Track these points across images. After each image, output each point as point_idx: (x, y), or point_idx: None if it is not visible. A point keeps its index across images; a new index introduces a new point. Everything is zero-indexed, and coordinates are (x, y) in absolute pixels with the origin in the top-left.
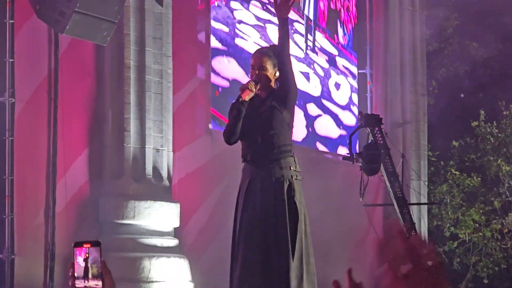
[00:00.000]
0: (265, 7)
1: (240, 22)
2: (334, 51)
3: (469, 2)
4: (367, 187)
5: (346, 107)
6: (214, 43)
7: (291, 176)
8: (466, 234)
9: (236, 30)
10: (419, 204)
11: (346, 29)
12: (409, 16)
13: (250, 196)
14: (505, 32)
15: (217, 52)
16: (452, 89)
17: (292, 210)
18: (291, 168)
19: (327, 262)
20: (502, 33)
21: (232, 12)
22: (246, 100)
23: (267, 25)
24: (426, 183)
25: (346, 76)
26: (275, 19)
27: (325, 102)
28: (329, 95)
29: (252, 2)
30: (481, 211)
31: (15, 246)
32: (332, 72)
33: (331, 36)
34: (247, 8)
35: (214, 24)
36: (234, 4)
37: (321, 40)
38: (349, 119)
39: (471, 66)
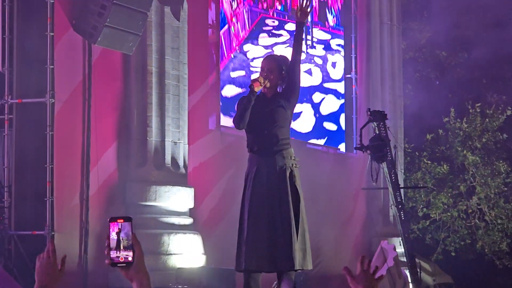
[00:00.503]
0: (270, 34)
1: (253, 59)
2: (327, 36)
3: (439, 17)
4: (353, 172)
5: (342, 79)
6: (236, 90)
7: (292, 164)
8: (437, 214)
9: (251, 68)
10: (409, 187)
11: (334, 11)
12: (388, 29)
13: (257, 182)
14: (470, 43)
15: (238, 97)
16: (425, 91)
17: (294, 193)
18: (291, 157)
19: (319, 237)
20: (467, 44)
21: (245, 55)
22: (256, 91)
23: (273, 48)
24: (403, 170)
25: (339, 52)
26: (280, 39)
27: (326, 84)
28: (328, 77)
29: (260, 35)
30: (449, 195)
31: (54, 224)
32: (328, 56)
33: (323, 25)
34: (257, 44)
35: (233, 74)
36: (246, 47)
37: (316, 33)
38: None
39: (440, 71)
